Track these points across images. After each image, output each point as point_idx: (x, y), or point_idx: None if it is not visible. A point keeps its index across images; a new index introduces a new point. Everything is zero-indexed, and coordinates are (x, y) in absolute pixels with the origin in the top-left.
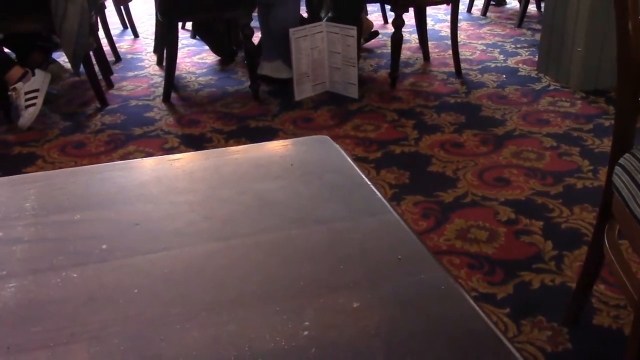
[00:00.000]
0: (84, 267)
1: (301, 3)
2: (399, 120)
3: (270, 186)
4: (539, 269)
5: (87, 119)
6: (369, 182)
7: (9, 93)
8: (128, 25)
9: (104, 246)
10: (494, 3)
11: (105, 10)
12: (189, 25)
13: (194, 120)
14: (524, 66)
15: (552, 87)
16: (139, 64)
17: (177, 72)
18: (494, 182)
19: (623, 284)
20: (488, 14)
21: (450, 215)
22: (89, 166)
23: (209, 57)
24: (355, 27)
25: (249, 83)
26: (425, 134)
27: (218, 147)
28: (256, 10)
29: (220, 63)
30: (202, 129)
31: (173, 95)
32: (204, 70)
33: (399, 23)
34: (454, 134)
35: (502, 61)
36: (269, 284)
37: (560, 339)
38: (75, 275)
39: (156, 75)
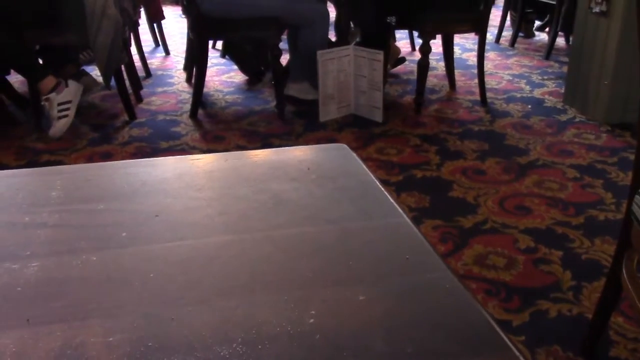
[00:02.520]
0: (103, 251)
1: (330, 27)
2: (422, 145)
3: (285, 187)
4: (557, 299)
5: (115, 131)
6: (381, 187)
7: (42, 103)
8: (160, 42)
9: (124, 234)
10: (522, 35)
11: (139, 27)
12: (219, 44)
13: (219, 136)
14: (550, 97)
15: (577, 119)
16: (169, 80)
17: (205, 90)
18: (514, 210)
19: None
20: (516, 45)
21: (469, 240)
22: (114, 162)
23: (237, 77)
24: (382, 52)
25: (274, 103)
26: (447, 159)
27: None
28: (285, 32)
29: (247, 83)
30: (226, 145)
31: (200, 111)
32: (232, 89)
33: (425, 50)
34: (477, 161)
35: (528, 92)
36: (279, 274)
37: None
38: (94, 258)
39: (185, 91)
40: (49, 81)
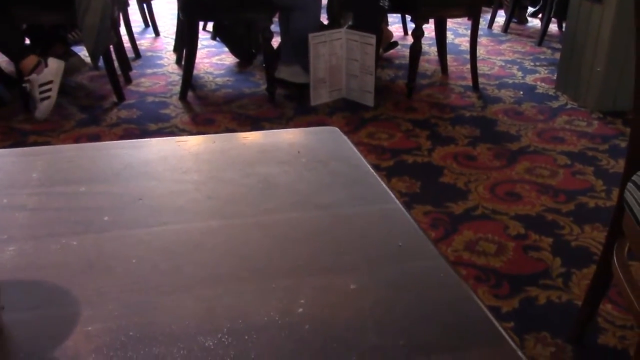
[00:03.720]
0: (84, 235)
1: (322, 10)
2: (413, 130)
3: (274, 170)
4: (546, 285)
5: (103, 113)
6: (374, 172)
7: (24, 85)
8: (150, 23)
9: (106, 218)
10: (515, 20)
11: (128, 7)
12: (209, 26)
13: (209, 119)
14: (542, 84)
15: (569, 106)
16: (159, 61)
17: (195, 72)
18: (505, 197)
19: (630, 304)
20: (509, 31)
21: (459, 226)
22: (96, 143)
23: (228, 59)
24: (374, 36)
25: (265, 86)
26: (438, 145)
27: None
28: (277, 14)
29: (238, 65)
30: (216, 128)
31: (190, 94)
32: (222, 72)
33: (418, 34)
34: (468, 147)
35: (520, 78)
36: (267, 261)
37: (563, 356)
38: (75, 243)
39: (174, 73)
40: (30, 60)
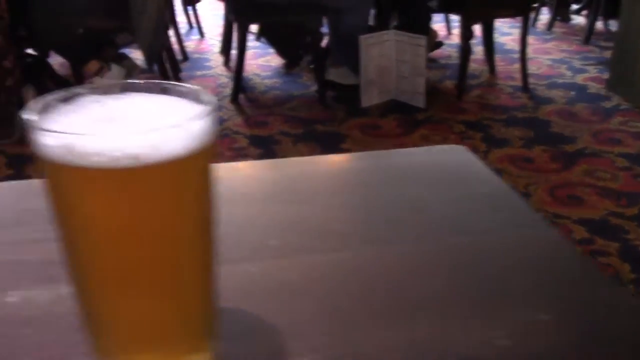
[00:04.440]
0: (260, 262)
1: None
2: (467, 132)
3: (415, 192)
4: None
5: None
6: (516, 194)
7: None
8: (195, 25)
9: (273, 242)
10: (559, 18)
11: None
12: (253, 27)
13: (262, 122)
14: (593, 83)
15: (623, 107)
16: (206, 63)
17: (243, 74)
18: (566, 200)
19: None
20: (553, 29)
21: None
22: (238, 163)
23: (274, 60)
24: (424, 37)
25: (314, 87)
26: (493, 147)
27: (286, 150)
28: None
29: (285, 67)
30: (269, 130)
31: (240, 96)
32: (269, 73)
33: (468, 35)
34: (523, 149)
35: (569, 77)
36: (435, 293)
37: None
38: (253, 269)
39: (223, 75)
40: (93, 65)
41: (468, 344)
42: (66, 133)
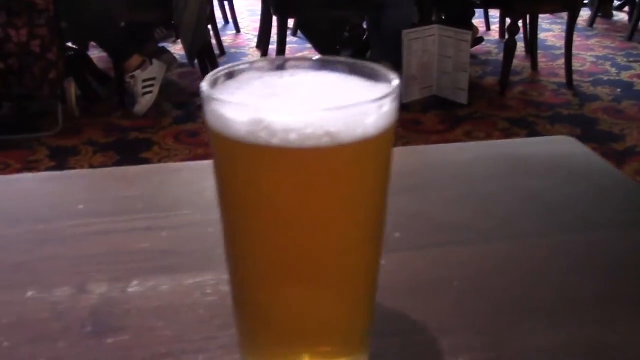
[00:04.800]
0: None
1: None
2: (511, 129)
3: (535, 184)
4: None
5: (197, 109)
6: (636, 185)
7: (127, 80)
8: (230, 19)
9: (397, 234)
10: (600, 14)
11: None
12: (289, 22)
13: None
14: (639, 80)
15: None
16: (243, 58)
17: None
18: None
19: None
20: (595, 25)
21: None
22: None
23: (311, 55)
24: (470, 32)
25: None
26: None
27: None
28: None
29: None
30: None
31: None
32: None
33: (513, 30)
34: None
35: (614, 74)
36: (583, 290)
37: None
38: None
39: None
40: (134, 59)
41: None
42: (257, 107)
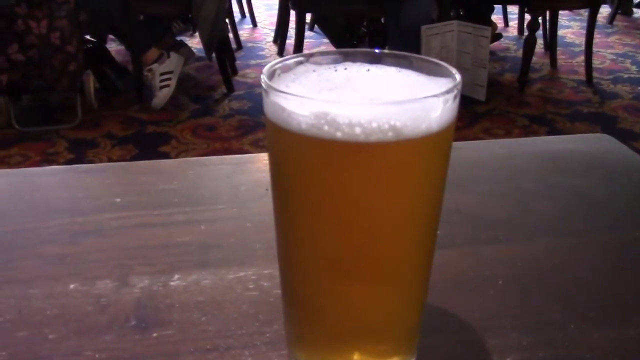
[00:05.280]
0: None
1: None
2: (531, 126)
3: (576, 182)
4: None
5: (215, 104)
6: None
7: (145, 74)
8: (247, 13)
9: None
10: (620, 12)
11: None
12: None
13: None
14: None
15: None
16: (260, 52)
17: None
18: None
19: None
20: (615, 22)
21: None
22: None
23: (328, 50)
24: (489, 28)
25: None
26: None
27: None
28: None
29: None
30: None
31: None
32: None
33: (534, 26)
34: None
35: (635, 72)
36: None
37: None
38: None
39: None
40: (152, 53)
41: None
42: (322, 100)
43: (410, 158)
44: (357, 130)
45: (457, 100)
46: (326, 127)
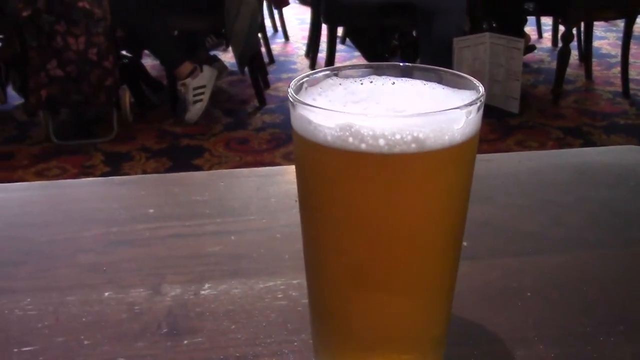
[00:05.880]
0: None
1: None
2: (565, 139)
3: (606, 194)
4: None
5: (247, 117)
6: None
7: (179, 88)
8: (280, 28)
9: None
10: None
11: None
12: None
13: None
14: None
15: None
16: (292, 66)
17: None
18: None
19: None
20: None
21: None
22: None
23: (359, 63)
24: (522, 40)
25: None
26: None
27: None
28: None
29: None
30: None
31: None
32: None
33: (568, 37)
34: None
35: None
36: None
37: None
38: None
39: None
40: (186, 67)
41: None
42: (347, 113)
43: (433, 169)
44: (381, 141)
45: (481, 112)
46: (351, 139)
